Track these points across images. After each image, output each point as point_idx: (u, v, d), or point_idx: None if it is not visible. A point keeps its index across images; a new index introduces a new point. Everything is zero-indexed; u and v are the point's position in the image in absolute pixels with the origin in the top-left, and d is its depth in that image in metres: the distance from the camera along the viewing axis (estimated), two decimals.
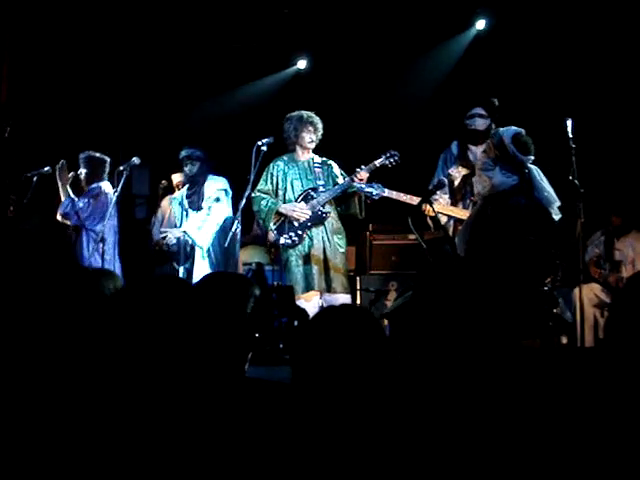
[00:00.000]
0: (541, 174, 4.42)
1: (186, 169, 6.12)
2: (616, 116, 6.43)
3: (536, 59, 6.78)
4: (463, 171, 5.23)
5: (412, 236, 5.81)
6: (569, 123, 4.91)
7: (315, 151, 5.71)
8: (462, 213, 5.07)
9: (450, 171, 5.28)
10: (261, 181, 5.73)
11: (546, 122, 5.68)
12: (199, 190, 6.11)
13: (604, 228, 6.00)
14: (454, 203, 5.25)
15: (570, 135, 4.88)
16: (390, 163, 5.42)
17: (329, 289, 5.42)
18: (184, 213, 6.18)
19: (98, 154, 6.32)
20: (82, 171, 6.29)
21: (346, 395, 1.73)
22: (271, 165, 5.69)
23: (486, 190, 4.45)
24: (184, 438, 1.79)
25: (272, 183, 5.67)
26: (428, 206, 4.93)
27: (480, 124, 5.24)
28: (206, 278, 2.38)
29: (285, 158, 5.68)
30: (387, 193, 5.29)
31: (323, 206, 5.47)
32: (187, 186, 6.22)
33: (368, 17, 7.17)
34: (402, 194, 5.31)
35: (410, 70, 7.42)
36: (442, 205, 5.09)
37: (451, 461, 1.70)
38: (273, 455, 1.73)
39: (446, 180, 5.12)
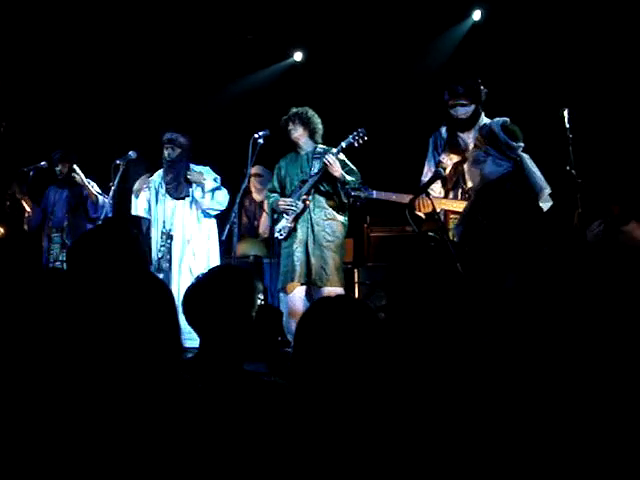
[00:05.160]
0: (531, 161, 4.41)
1: (165, 153, 5.99)
2: (614, 106, 6.42)
3: (533, 49, 6.77)
4: (454, 158, 5.18)
5: (409, 228, 5.80)
6: (566, 113, 4.91)
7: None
8: (454, 205, 5.02)
9: (441, 159, 5.23)
10: (270, 181, 5.92)
11: (543, 112, 5.67)
12: (178, 177, 6.01)
13: (602, 218, 5.99)
14: (446, 193, 5.21)
15: (567, 125, 4.88)
16: (357, 141, 5.43)
17: (311, 282, 5.44)
18: (157, 197, 6.09)
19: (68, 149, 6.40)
20: (61, 168, 6.33)
21: (342, 386, 1.72)
22: (277, 165, 5.81)
23: (477, 183, 4.46)
24: (181, 431, 1.78)
25: (277, 181, 5.77)
26: (419, 202, 4.93)
27: (462, 113, 5.15)
28: (213, 271, 2.39)
29: (288, 155, 5.76)
30: (375, 195, 5.26)
31: (307, 195, 5.50)
32: (163, 170, 6.09)
33: (364, 9, 7.15)
34: (392, 194, 5.28)
35: (406, 61, 7.40)
36: (435, 199, 5.01)
37: (448, 454, 1.70)
38: (271, 447, 1.72)
39: (443, 172, 5.09)
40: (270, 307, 5.17)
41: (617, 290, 1.53)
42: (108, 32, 7.38)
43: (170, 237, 5.96)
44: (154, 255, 5.96)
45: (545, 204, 4.40)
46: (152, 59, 7.64)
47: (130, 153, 5.88)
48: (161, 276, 5.74)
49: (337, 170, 5.39)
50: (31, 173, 6.29)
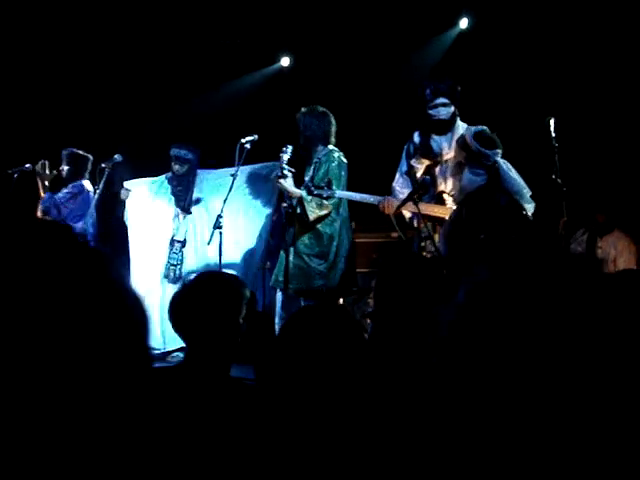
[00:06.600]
0: (509, 166, 4.42)
1: (174, 167, 6.13)
2: (599, 115, 6.46)
3: (519, 58, 6.80)
4: (425, 162, 5.18)
5: (394, 234, 5.80)
6: (552, 122, 4.93)
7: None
8: (423, 208, 4.96)
9: (412, 162, 5.23)
10: None
11: (529, 121, 5.70)
12: (187, 190, 6.14)
13: (586, 226, 6.03)
14: (418, 196, 5.16)
15: (553, 134, 4.90)
16: (287, 156, 5.39)
17: (287, 289, 5.43)
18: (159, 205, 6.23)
19: (81, 151, 6.33)
20: (64, 167, 6.30)
21: (322, 396, 1.71)
22: None
23: (457, 194, 4.48)
24: (168, 437, 1.77)
25: None
26: (386, 205, 4.94)
27: (444, 114, 5.12)
28: (199, 277, 2.36)
29: None
30: (338, 194, 5.25)
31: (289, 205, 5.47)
32: (170, 182, 6.22)
33: (351, 16, 7.16)
34: (355, 194, 5.27)
35: (393, 68, 7.41)
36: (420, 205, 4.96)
37: (430, 461, 1.70)
38: (255, 454, 1.71)
39: (430, 179, 5.09)
40: (259, 313, 5.16)
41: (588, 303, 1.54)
42: (94, 34, 7.36)
43: (184, 245, 6.07)
44: (165, 262, 6.07)
45: (527, 205, 4.40)
46: (139, 63, 7.61)
47: (116, 156, 5.90)
48: (166, 282, 6.01)
49: (290, 192, 5.34)
50: (15, 176, 6.24)
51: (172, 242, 6.09)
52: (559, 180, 4.80)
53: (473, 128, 4.51)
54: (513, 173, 4.39)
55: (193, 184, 6.14)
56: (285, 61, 7.90)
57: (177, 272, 5.98)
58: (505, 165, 4.38)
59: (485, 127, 4.51)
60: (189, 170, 6.13)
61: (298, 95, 6.67)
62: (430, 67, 7.35)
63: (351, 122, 6.76)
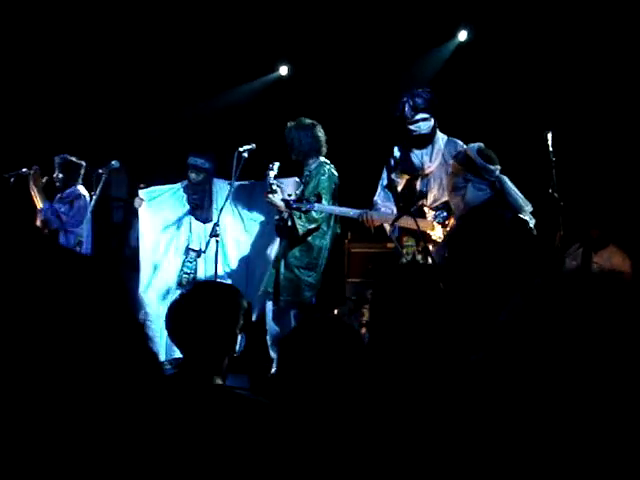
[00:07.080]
0: (511, 182, 4.44)
1: (191, 176, 6.12)
2: (597, 129, 6.47)
3: (517, 71, 6.81)
4: (406, 176, 5.19)
5: (390, 244, 5.80)
6: (549, 136, 4.94)
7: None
8: (403, 222, 4.95)
9: (392, 177, 5.23)
10: None
11: (527, 135, 5.71)
12: (203, 200, 6.16)
13: (581, 241, 6.03)
14: (400, 210, 5.15)
15: (550, 148, 4.91)
16: (271, 173, 5.40)
17: (276, 300, 5.42)
18: (177, 213, 6.22)
19: (74, 158, 6.33)
20: (58, 175, 6.29)
21: (326, 406, 1.71)
22: None
23: (461, 209, 4.47)
24: (163, 444, 1.75)
25: None
26: (366, 219, 4.94)
27: (425, 128, 5.08)
28: (196, 287, 2.35)
29: None
30: (317, 208, 5.25)
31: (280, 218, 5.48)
32: (187, 190, 6.21)
33: (350, 27, 7.18)
34: (336, 207, 5.30)
35: (391, 79, 7.42)
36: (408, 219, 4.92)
37: (431, 470, 1.69)
38: (250, 466, 1.70)
39: (425, 188, 5.10)
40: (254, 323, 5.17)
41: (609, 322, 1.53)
42: (91, 41, 7.36)
43: (199, 255, 6.03)
44: (178, 270, 6.04)
45: (530, 221, 4.42)
46: (137, 70, 7.61)
47: (113, 162, 5.89)
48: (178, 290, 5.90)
49: (279, 207, 5.36)
50: (12, 180, 6.24)
51: (187, 251, 6.05)
52: (556, 194, 4.80)
53: (474, 144, 4.51)
54: (516, 190, 4.41)
55: (209, 193, 6.15)
56: (283, 70, 7.91)
57: (190, 280, 5.96)
58: (509, 182, 4.40)
59: (482, 144, 4.52)
60: (205, 179, 6.12)
61: (296, 104, 6.67)
62: (428, 79, 7.35)
63: (349, 133, 6.78)
